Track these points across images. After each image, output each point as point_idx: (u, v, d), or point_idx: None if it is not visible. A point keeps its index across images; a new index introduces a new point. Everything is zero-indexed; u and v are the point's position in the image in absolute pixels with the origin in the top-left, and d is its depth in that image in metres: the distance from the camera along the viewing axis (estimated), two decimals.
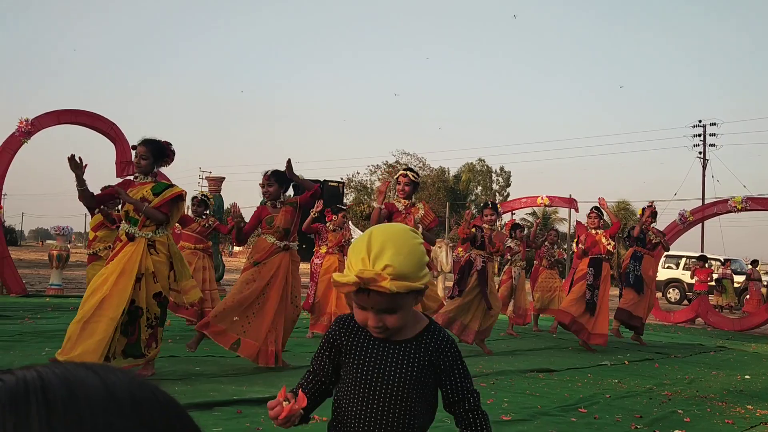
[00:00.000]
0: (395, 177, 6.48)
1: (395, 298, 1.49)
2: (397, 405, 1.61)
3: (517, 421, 4.29)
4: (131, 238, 4.94)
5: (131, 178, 5.20)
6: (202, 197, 8.24)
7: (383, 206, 6.10)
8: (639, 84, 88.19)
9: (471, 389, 1.68)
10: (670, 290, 23.95)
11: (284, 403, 1.58)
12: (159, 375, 5.14)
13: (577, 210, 15.70)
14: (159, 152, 5.17)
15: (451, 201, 46.47)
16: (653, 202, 9.91)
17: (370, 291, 1.48)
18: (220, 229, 8.14)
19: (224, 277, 14.46)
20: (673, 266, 24.36)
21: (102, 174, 15.64)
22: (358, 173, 48.13)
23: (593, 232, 8.80)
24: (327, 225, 8.64)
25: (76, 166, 4.78)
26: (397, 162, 50.29)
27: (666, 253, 19.05)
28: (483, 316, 7.52)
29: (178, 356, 6.07)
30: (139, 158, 5.08)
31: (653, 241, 9.66)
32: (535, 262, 11.19)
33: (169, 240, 5.16)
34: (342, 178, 34.76)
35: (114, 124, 11.90)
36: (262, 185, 5.97)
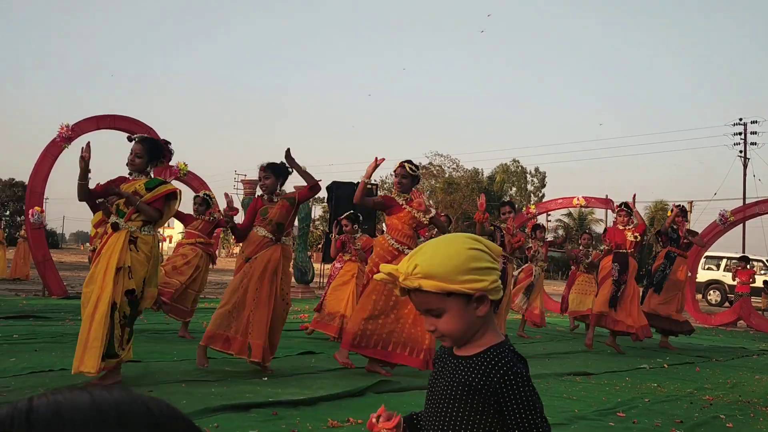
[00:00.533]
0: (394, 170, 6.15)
1: (433, 298, 1.49)
2: (445, 421, 1.56)
3: (554, 426, 4.20)
4: (115, 228, 4.85)
5: (126, 175, 5.09)
6: (205, 196, 8.11)
7: (369, 181, 5.89)
8: (678, 82, 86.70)
9: (535, 424, 1.46)
10: (711, 292, 23.47)
11: (375, 420, 1.62)
12: (195, 376, 5.20)
13: (613, 211, 15.45)
14: (155, 151, 5.09)
15: (486, 202, 46.09)
16: (692, 202, 9.72)
17: (410, 291, 1.50)
18: (220, 223, 7.95)
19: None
20: (714, 267, 23.87)
21: None
22: (391, 175, 48.05)
23: (620, 227, 8.68)
24: (354, 241, 8.42)
25: (82, 158, 4.75)
26: (430, 163, 50.20)
27: (706, 254, 18.69)
28: (500, 320, 7.25)
29: (214, 357, 6.13)
30: (134, 156, 4.99)
31: (685, 242, 9.44)
32: (572, 267, 11.06)
33: (154, 242, 5.01)
34: (375, 181, 34.75)
35: (151, 128, 12.09)
36: (259, 178, 5.81)
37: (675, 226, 9.36)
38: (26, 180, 11.49)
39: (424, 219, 5.94)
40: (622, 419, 4.54)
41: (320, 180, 5.76)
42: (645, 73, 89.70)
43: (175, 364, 5.74)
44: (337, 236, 8.51)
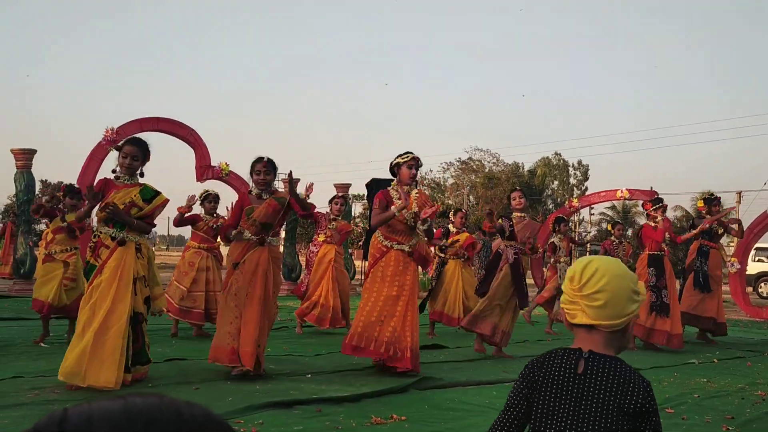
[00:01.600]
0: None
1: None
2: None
3: None
4: (122, 242, 4.74)
5: (111, 178, 4.91)
6: (215, 194, 8.01)
7: (405, 214, 5.61)
8: (723, 69, 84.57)
9: None
10: (762, 284, 22.84)
11: None
12: (240, 375, 5.26)
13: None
14: (148, 152, 4.99)
15: (527, 196, 45.73)
16: (741, 192, 9.39)
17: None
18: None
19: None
20: (765, 259, 23.22)
21: (179, 177, 16.17)
22: (431, 171, 47.96)
23: (652, 224, 8.30)
24: (327, 213, 8.37)
25: (94, 197, 4.68)
26: (470, 158, 49.94)
27: (756, 245, 18.16)
28: (513, 316, 6.93)
29: None
30: (130, 159, 4.84)
31: (719, 232, 9.07)
32: None
33: (147, 243, 5.08)
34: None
35: (193, 130, 12.29)
36: (258, 171, 5.41)
37: (706, 217, 8.89)
38: (75, 182, 11.75)
39: (409, 221, 5.68)
40: (671, 415, 4.46)
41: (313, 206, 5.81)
42: (688, 62, 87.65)
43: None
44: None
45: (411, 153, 5.84)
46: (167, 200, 4.98)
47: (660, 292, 7.94)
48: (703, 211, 9.07)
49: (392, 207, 5.61)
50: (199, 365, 5.60)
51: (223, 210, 7.73)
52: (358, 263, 20.08)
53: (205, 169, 12.37)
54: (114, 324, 4.54)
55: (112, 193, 4.78)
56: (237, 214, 5.38)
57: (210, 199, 7.92)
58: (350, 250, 17.78)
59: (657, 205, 8.44)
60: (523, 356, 6.64)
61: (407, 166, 5.76)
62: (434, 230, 6.53)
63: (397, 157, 5.85)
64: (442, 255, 8.66)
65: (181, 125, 12.11)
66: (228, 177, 12.89)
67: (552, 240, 9.62)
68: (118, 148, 4.94)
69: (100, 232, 4.78)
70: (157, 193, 4.90)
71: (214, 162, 12.48)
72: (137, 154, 4.89)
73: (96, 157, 11.45)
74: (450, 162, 49.27)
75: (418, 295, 6.37)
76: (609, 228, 10.87)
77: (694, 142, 76.15)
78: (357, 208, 46.05)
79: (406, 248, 5.70)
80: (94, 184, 4.94)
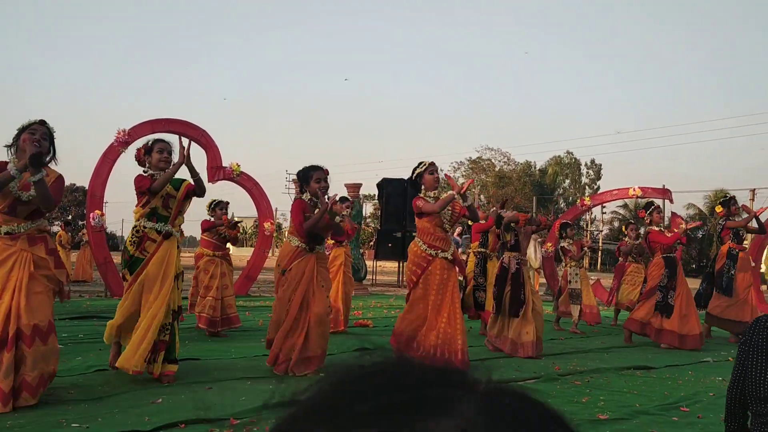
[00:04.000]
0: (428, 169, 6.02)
1: None
2: None
3: (615, 420, 4.15)
4: (168, 235, 4.89)
5: (144, 174, 4.99)
6: (225, 202, 8.10)
7: (458, 195, 5.76)
8: (735, 65, 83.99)
9: None
10: None
11: None
12: (255, 373, 5.27)
13: (671, 201, 15.01)
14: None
15: (538, 195, 45.66)
16: (754, 190, 9.29)
17: None
18: (229, 234, 7.94)
19: None
20: None
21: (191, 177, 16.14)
22: (441, 170, 47.90)
23: (656, 229, 8.26)
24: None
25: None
26: (479, 158, 49.86)
27: None
28: (539, 320, 6.86)
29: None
30: (167, 154, 4.98)
31: (742, 235, 8.96)
32: (620, 258, 10.59)
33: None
34: None
35: (204, 131, 12.35)
36: (319, 180, 5.41)
37: (731, 219, 8.80)
38: (86, 185, 11.82)
39: (447, 225, 5.92)
40: (686, 414, 4.42)
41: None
42: (700, 58, 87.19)
43: (233, 361, 5.84)
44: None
45: (425, 161, 6.06)
46: (190, 184, 5.07)
47: (668, 293, 7.91)
48: (723, 215, 8.92)
49: (447, 193, 5.80)
50: (212, 365, 5.61)
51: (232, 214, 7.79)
52: (369, 263, 20.08)
53: (216, 170, 12.42)
54: (156, 317, 4.72)
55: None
56: (302, 216, 5.40)
57: (221, 206, 8.01)
58: (361, 250, 17.80)
59: (650, 209, 8.46)
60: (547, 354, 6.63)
61: (428, 172, 5.97)
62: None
63: (415, 169, 6.06)
64: (484, 250, 8.56)
65: (192, 126, 12.16)
66: (239, 177, 12.93)
67: (562, 245, 9.53)
68: (149, 150, 5.01)
69: (144, 227, 4.88)
70: (183, 180, 5.05)
71: (225, 163, 12.53)
72: (170, 147, 5.04)
73: (108, 159, 11.52)
74: (460, 161, 49.21)
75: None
76: (623, 229, 10.79)
77: (706, 140, 75.90)
78: (368, 208, 46.09)
79: (449, 256, 5.85)
80: (137, 177, 4.97)
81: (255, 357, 6.10)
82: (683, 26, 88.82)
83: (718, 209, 9.06)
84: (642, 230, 10.43)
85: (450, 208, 5.92)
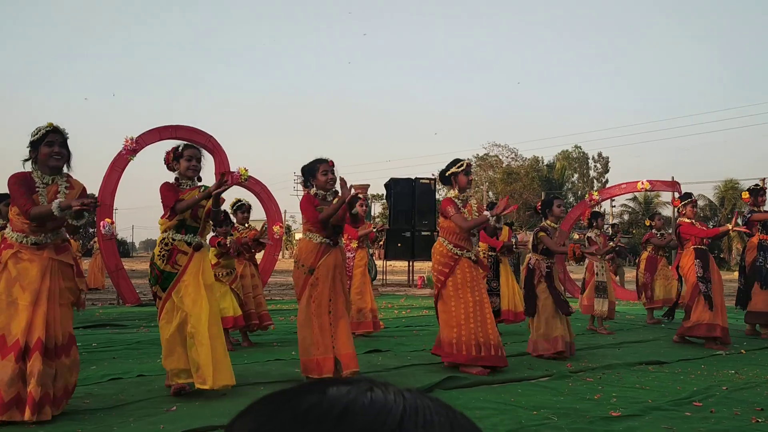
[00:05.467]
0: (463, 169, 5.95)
1: None
2: None
3: (628, 417, 4.15)
4: (198, 247, 4.79)
5: (170, 184, 4.87)
6: (248, 204, 7.83)
7: (492, 218, 5.73)
8: (741, 55, 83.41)
9: None
10: None
11: None
12: (269, 378, 5.29)
13: (680, 193, 14.93)
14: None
15: (547, 190, 45.50)
16: (765, 179, 9.15)
17: None
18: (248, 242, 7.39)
19: None
20: None
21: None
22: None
23: (686, 220, 8.00)
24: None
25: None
26: (486, 154, 49.75)
27: None
28: (569, 322, 6.73)
29: (284, 359, 6.23)
30: (196, 162, 4.88)
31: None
32: (645, 251, 10.32)
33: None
34: (433, 174, 34.62)
35: (211, 136, 12.41)
36: (326, 172, 5.26)
37: (756, 209, 8.57)
38: (96, 193, 11.89)
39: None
40: (699, 408, 4.42)
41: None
42: (707, 49, 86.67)
43: (247, 366, 5.86)
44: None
45: (463, 160, 6.02)
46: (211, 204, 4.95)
47: (707, 285, 7.63)
48: (749, 203, 8.69)
49: (485, 212, 5.78)
50: None
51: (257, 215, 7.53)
52: (378, 263, 20.10)
53: (224, 175, 12.45)
54: (214, 325, 4.64)
55: (181, 196, 4.79)
56: (312, 209, 5.18)
57: (243, 209, 7.70)
58: (371, 250, 17.81)
59: (686, 201, 8.17)
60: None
61: (464, 173, 5.94)
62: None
63: (451, 167, 6.00)
64: (495, 253, 8.48)
65: (199, 132, 12.24)
66: (247, 182, 12.98)
67: (588, 235, 9.26)
68: (178, 156, 4.89)
69: (173, 239, 4.76)
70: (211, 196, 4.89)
71: (233, 167, 12.58)
72: (200, 155, 4.94)
73: (117, 167, 11.59)
74: (468, 159, 49.09)
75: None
76: (647, 222, 10.67)
77: (714, 130, 75.34)
78: (376, 208, 46.08)
79: (473, 256, 5.87)
80: (164, 187, 4.84)
81: (268, 362, 6.12)
82: (690, 16, 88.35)
83: (745, 195, 8.84)
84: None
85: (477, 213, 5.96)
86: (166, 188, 4.81)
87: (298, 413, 0.46)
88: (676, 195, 9.43)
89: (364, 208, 8.62)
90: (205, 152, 5.21)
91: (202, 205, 4.82)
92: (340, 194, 5.18)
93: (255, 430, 0.47)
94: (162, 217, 4.85)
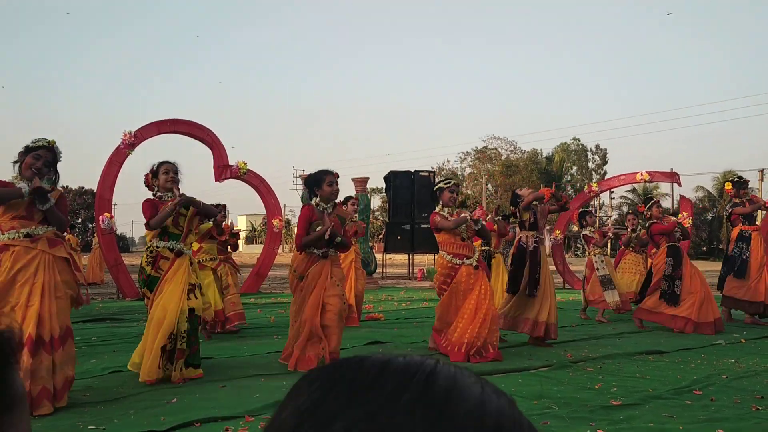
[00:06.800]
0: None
1: None
2: None
3: (628, 406, 4.16)
4: (179, 253, 5.06)
5: (152, 198, 5.17)
6: (222, 205, 8.17)
7: (470, 220, 6.10)
8: (739, 45, 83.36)
9: None
10: None
11: None
12: (268, 370, 5.30)
13: (679, 184, 14.93)
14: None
15: (546, 183, 45.50)
16: (763, 170, 9.16)
17: None
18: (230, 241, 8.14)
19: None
20: None
21: (197, 177, 16.26)
22: (448, 161, 47.93)
23: (655, 221, 8.38)
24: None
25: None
26: (485, 147, 49.73)
27: None
28: (551, 305, 6.78)
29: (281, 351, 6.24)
30: (174, 174, 5.18)
31: (754, 215, 8.88)
32: (621, 246, 10.34)
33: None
34: (433, 168, 34.64)
35: (210, 130, 12.37)
36: (331, 183, 5.55)
37: (738, 201, 8.75)
38: (95, 187, 11.87)
39: (464, 234, 6.16)
40: (699, 397, 4.42)
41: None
42: (704, 39, 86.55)
43: (246, 359, 5.87)
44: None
45: (452, 180, 6.48)
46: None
47: (674, 282, 7.93)
48: (731, 194, 8.87)
49: (464, 214, 6.16)
50: (224, 363, 5.65)
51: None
52: (378, 256, 20.10)
53: (223, 169, 12.45)
54: (161, 322, 4.84)
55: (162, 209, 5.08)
56: (305, 226, 5.53)
57: (219, 209, 7.81)
58: (370, 243, 17.81)
59: (648, 204, 8.53)
60: (561, 341, 6.65)
61: (449, 190, 6.26)
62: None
63: (439, 183, 6.42)
64: (488, 248, 8.49)
65: (198, 126, 12.20)
66: (246, 176, 12.97)
67: (584, 233, 9.39)
68: (155, 173, 5.20)
69: (157, 247, 5.06)
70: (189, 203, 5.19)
71: (232, 161, 12.57)
72: (177, 167, 5.23)
73: (115, 161, 11.57)
74: (467, 152, 49.11)
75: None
76: (641, 209, 10.64)
77: (713, 121, 75.29)
78: (376, 202, 46.09)
79: (474, 263, 6.11)
80: (144, 204, 5.13)
81: (267, 354, 6.13)
82: (691, 5, 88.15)
83: (728, 186, 8.99)
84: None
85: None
86: (145, 206, 5.15)
87: (376, 377, 0.45)
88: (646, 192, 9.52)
89: (354, 207, 8.77)
90: (204, 146, 5.32)
91: (183, 214, 5.14)
92: (336, 209, 5.65)
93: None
94: (146, 230, 5.21)
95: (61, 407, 4.08)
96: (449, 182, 6.35)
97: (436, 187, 6.39)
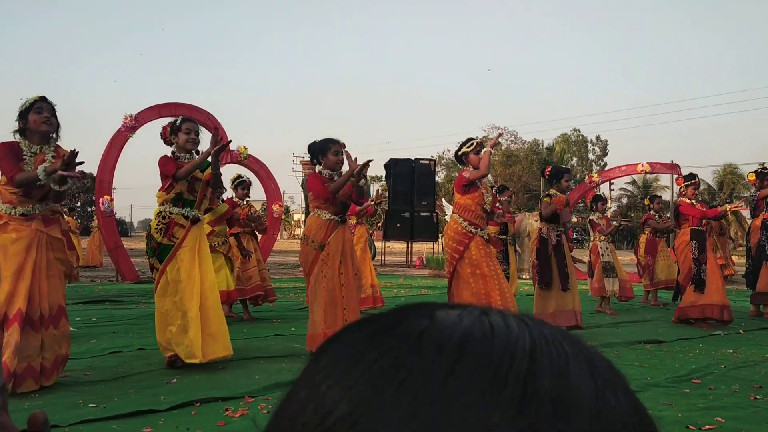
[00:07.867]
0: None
1: None
2: None
3: None
4: (195, 220, 4.79)
5: (169, 156, 4.82)
6: (248, 181, 7.85)
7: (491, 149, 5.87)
8: (740, 39, 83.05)
9: None
10: None
11: None
12: (267, 353, 5.30)
13: (681, 175, 14.89)
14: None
15: (540, 170, 45.43)
16: (764, 163, 9.10)
17: None
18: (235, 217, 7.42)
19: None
20: None
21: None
22: (448, 150, 47.79)
23: (687, 201, 7.90)
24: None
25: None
26: (486, 137, 49.60)
27: None
28: (575, 294, 6.82)
29: (283, 335, 6.26)
30: (194, 135, 4.84)
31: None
32: (643, 234, 10.27)
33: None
34: (433, 156, 34.54)
35: (211, 114, 12.34)
36: (337, 153, 5.33)
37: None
38: (95, 171, 11.86)
39: (488, 206, 5.97)
40: (698, 386, 4.44)
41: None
42: (704, 32, 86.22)
43: (246, 341, 5.88)
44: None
45: (473, 139, 6.11)
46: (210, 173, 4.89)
47: (700, 267, 7.62)
48: (755, 185, 8.69)
49: (483, 151, 5.89)
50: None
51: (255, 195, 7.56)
52: (378, 244, 20.09)
53: (223, 154, 12.42)
54: (209, 298, 4.67)
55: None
56: (321, 183, 5.23)
57: (244, 186, 7.73)
58: (370, 231, 17.81)
59: (689, 182, 8.12)
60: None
61: (474, 152, 5.96)
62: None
63: (462, 147, 6.08)
64: (505, 237, 8.48)
65: (199, 110, 12.17)
66: (246, 160, 12.94)
67: (590, 218, 9.25)
68: (176, 130, 4.85)
69: (171, 213, 4.74)
70: (209, 164, 4.81)
71: (233, 146, 12.53)
72: (197, 128, 4.92)
73: (116, 144, 11.54)
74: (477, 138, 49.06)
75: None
76: (647, 203, 10.59)
77: (713, 114, 75.18)
78: (375, 189, 46.00)
79: (485, 235, 5.95)
80: (162, 159, 4.79)
81: (267, 337, 6.15)
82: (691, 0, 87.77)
83: (751, 177, 8.83)
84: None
85: (491, 195, 6.06)
86: (164, 160, 4.78)
87: (410, 339, 0.35)
88: (676, 177, 9.38)
89: (365, 187, 8.66)
90: (203, 129, 5.16)
91: (198, 178, 4.81)
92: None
93: (355, 357, 0.35)
94: (160, 190, 4.83)
95: (61, 385, 4.08)
96: (471, 145, 6.01)
97: (461, 152, 6.05)
